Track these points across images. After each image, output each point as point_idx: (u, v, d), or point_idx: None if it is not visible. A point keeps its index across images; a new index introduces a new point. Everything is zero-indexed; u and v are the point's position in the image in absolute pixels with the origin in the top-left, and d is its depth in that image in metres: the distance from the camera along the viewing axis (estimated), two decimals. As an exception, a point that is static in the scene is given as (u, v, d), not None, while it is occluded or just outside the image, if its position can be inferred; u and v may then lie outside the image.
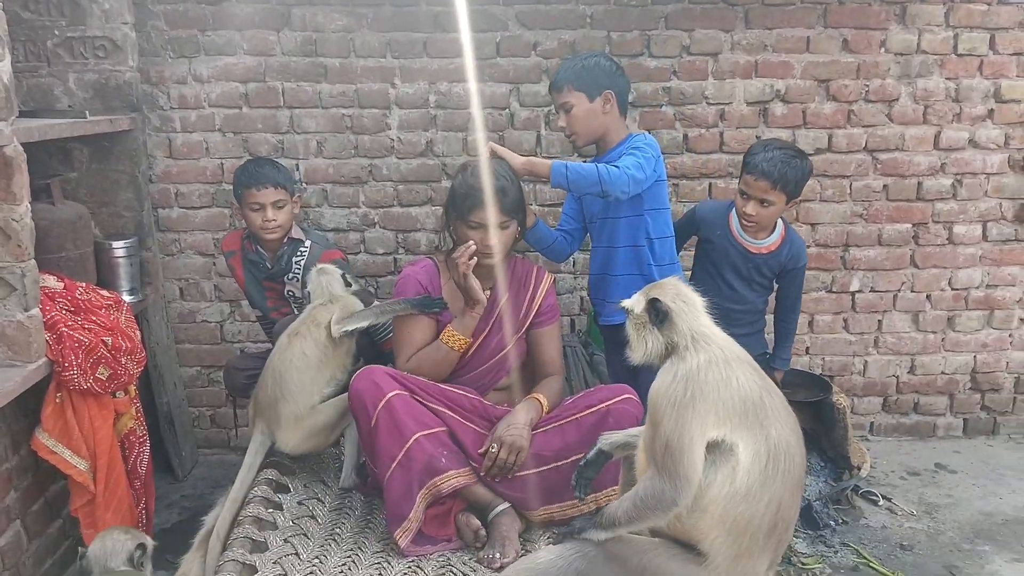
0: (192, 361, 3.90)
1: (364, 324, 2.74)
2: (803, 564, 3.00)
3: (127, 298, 3.20)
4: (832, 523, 3.24)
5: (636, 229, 2.81)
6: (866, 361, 3.98)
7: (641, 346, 1.98)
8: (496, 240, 2.57)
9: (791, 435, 1.84)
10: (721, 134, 3.71)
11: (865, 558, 3.05)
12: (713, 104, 3.69)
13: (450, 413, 2.50)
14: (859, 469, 3.41)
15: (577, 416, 2.51)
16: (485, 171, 2.56)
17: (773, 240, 3.01)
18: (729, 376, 1.82)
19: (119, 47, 3.27)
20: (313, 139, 3.68)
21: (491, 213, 2.54)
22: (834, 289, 3.89)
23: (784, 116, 3.69)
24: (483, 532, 2.39)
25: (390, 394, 2.38)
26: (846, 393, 3.84)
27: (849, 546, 3.13)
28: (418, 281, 2.67)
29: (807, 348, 3.95)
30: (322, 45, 3.58)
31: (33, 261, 2.49)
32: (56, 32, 3.23)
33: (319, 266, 2.90)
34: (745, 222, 2.95)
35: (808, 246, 3.78)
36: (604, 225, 2.89)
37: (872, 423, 4.06)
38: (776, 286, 3.13)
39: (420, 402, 2.46)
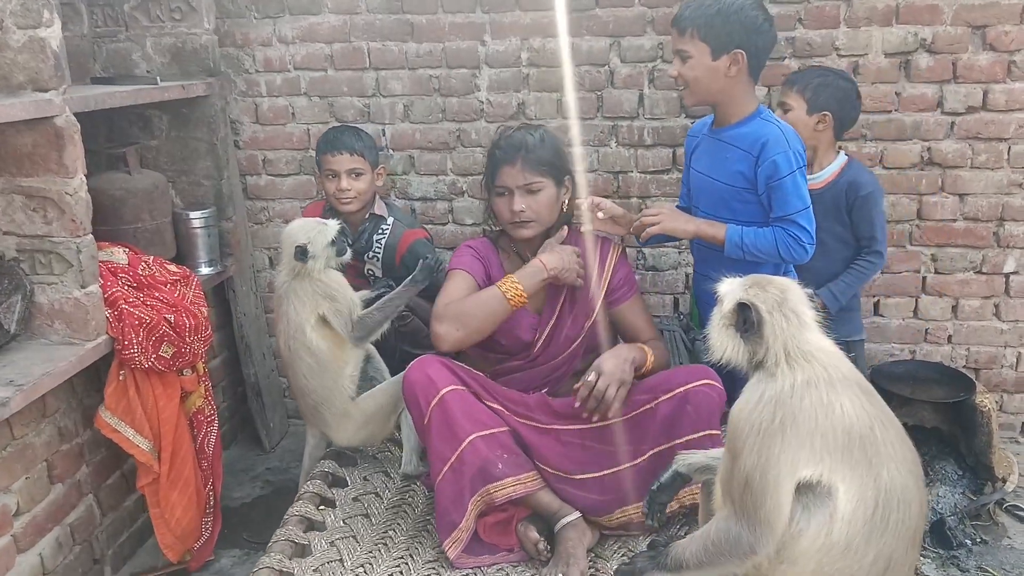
0: (281, 331, 3.83)
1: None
2: (931, 592, 2.63)
3: (205, 270, 3.13)
4: (968, 542, 2.82)
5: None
6: (1020, 353, 3.43)
7: (720, 346, 1.68)
8: (523, 206, 2.30)
9: (908, 477, 1.49)
10: (854, 90, 3.24)
11: (1007, 587, 2.64)
12: (845, 56, 3.20)
13: (510, 412, 2.26)
14: (1004, 481, 2.98)
15: (651, 406, 2.22)
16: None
17: (825, 175, 2.87)
18: (831, 401, 1.48)
19: (194, 9, 3.14)
20: (400, 102, 3.47)
21: (513, 173, 2.30)
22: (984, 270, 3.37)
23: (930, 69, 3.17)
24: (543, 545, 2.15)
25: (444, 390, 2.16)
26: (994, 389, 3.36)
27: (987, 571, 2.71)
28: (471, 247, 2.46)
29: (949, 336, 3.45)
30: (408, 1, 3.34)
31: (90, 236, 2.40)
32: (133, -6, 3.14)
33: (322, 221, 2.66)
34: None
35: (954, 220, 3.29)
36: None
37: (1024, 424, 3.54)
38: None
39: (479, 398, 2.22)
